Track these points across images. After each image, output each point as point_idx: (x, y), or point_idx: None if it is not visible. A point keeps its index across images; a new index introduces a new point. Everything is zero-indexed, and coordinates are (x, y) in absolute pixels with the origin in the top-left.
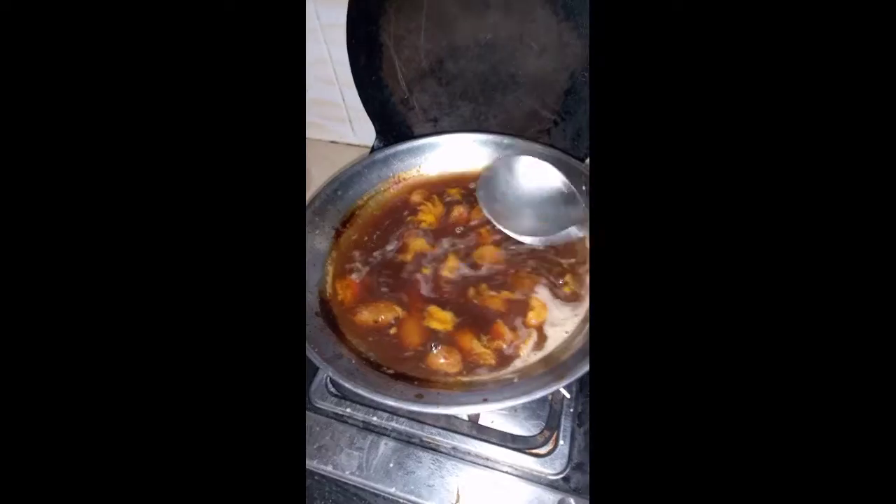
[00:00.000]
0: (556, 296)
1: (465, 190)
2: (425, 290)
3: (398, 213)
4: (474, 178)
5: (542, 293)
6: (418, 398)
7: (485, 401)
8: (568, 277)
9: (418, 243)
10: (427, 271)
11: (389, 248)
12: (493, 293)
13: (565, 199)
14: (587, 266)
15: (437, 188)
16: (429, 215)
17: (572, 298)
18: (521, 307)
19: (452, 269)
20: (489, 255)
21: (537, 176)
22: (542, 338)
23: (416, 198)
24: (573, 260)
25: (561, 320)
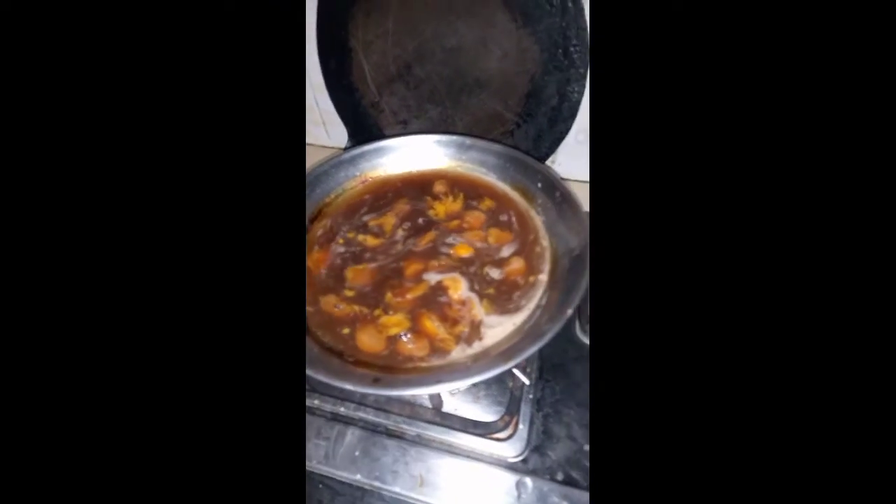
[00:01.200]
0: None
1: (497, 208)
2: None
3: (418, 194)
4: (438, 176)
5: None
6: (375, 382)
7: (438, 382)
8: (486, 302)
9: (388, 220)
10: (342, 241)
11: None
12: (399, 299)
13: None
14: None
15: (470, 189)
16: (441, 207)
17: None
18: (438, 292)
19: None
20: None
21: None
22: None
23: (439, 187)
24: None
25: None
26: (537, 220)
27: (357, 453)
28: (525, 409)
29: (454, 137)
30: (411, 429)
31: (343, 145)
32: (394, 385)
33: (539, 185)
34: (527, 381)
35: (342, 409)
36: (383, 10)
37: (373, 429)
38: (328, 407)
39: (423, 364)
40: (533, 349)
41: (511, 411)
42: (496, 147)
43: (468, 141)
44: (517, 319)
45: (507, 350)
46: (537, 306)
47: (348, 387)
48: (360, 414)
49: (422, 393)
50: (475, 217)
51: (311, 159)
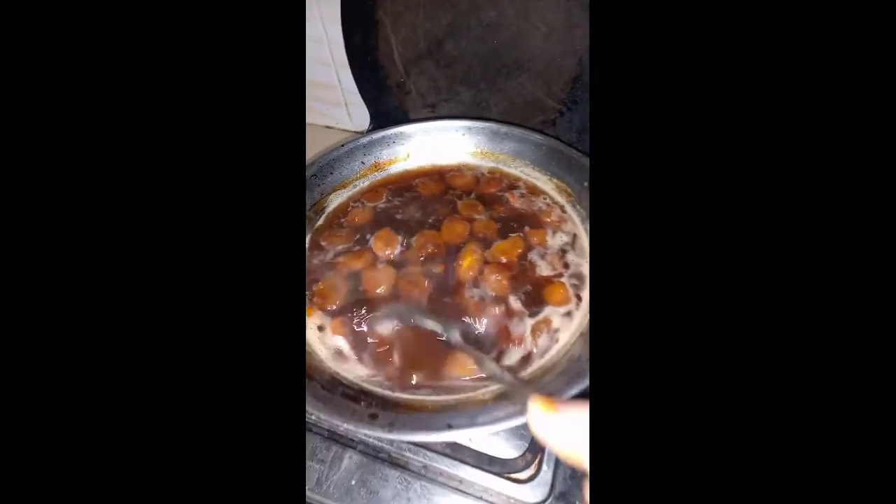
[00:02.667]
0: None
1: (543, 247)
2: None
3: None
4: (465, 172)
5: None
6: (372, 419)
7: (448, 427)
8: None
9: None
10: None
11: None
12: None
13: None
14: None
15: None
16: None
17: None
18: None
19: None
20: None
21: None
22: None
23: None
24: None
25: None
26: (579, 225)
27: (353, 482)
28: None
29: (487, 124)
30: (417, 458)
31: (366, 129)
32: (393, 425)
33: (586, 184)
34: None
35: (342, 429)
36: None
37: (374, 454)
38: (326, 424)
39: (435, 397)
40: (572, 391)
41: (534, 448)
42: (536, 137)
43: (503, 129)
44: (564, 336)
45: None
46: (578, 333)
47: (337, 422)
48: (361, 436)
49: (428, 440)
50: (504, 250)
51: (331, 142)
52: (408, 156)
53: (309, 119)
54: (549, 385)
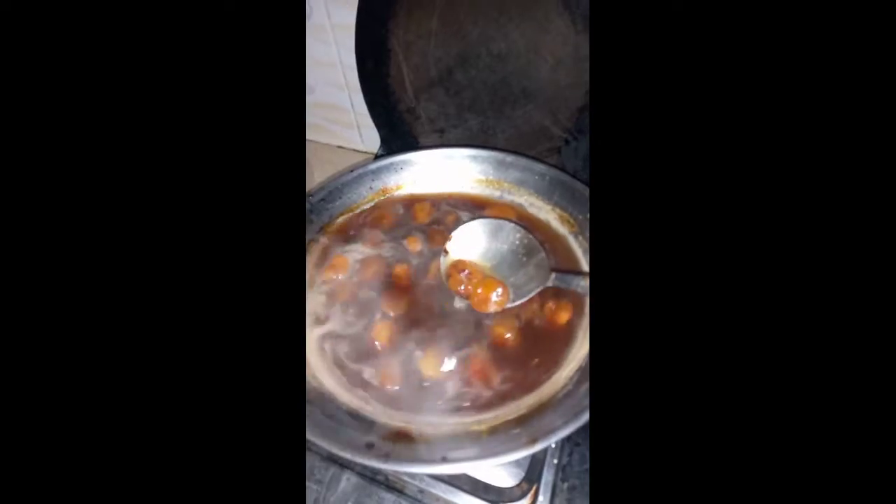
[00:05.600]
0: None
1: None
2: None
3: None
4: (474, 200)
5: None
6: (368, 448)
7: (443, 459)
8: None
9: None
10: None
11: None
12: None
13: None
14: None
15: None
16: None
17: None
18: None
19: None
20: None
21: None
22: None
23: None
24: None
25: None
26: (580, 257)
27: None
28: (548, 477)
29: (493, 153)
30: (413, 482)
31: (376, 150)
32: (392, 456)
33: (589, 215)
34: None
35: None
36: (427, 8)
37: (371, 476)
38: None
39: (429, 430)
40: (567, 430)
41: (531, 478)
42: (540, 167)
43: (508, 158)
44: (567, 371)
45: (534, 425)
46: (577, 368)
47: (335, 450)
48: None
49: (422, 472)
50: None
51: (343, 163)
52: (414, 182)
53: (322, 139)
54: (545, 420)
